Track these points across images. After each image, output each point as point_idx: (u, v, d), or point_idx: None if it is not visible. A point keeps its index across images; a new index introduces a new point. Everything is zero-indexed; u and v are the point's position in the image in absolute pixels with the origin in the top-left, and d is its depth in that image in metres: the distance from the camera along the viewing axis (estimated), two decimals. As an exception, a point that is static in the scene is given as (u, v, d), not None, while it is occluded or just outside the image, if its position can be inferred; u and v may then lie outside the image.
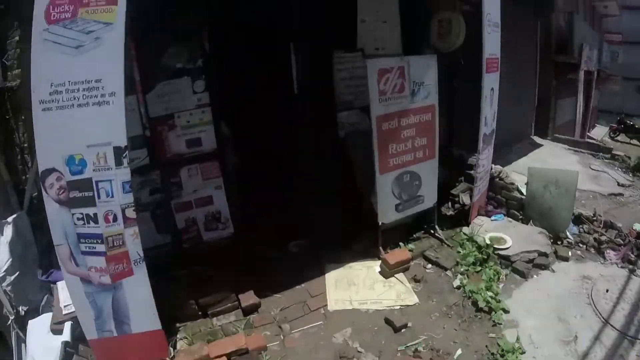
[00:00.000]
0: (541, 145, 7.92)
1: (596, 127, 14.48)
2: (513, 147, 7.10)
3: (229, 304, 3.88)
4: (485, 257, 4.38)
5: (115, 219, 2.87)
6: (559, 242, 4.86)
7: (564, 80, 9.41)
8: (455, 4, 5.21)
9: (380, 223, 4.21)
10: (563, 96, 9.52)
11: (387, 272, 4.19)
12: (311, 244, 4.76)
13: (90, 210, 2.83)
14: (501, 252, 4.45)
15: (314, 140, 4.66)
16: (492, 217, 5.06)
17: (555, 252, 4.66)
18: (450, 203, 5.35)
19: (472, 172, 5.36)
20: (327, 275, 4.28)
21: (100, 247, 2.89)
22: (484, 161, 4.76)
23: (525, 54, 7.84)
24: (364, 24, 4.78)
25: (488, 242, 4.50)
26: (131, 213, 2.89)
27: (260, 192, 5.66)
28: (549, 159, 7.10)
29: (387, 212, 4.21)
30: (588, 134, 11.37)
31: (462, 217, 5.09)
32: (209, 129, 4.18)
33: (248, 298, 3.90)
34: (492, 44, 4.53)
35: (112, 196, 2.82)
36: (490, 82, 4.59)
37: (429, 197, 4.45)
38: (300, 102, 4.60)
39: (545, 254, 4.55)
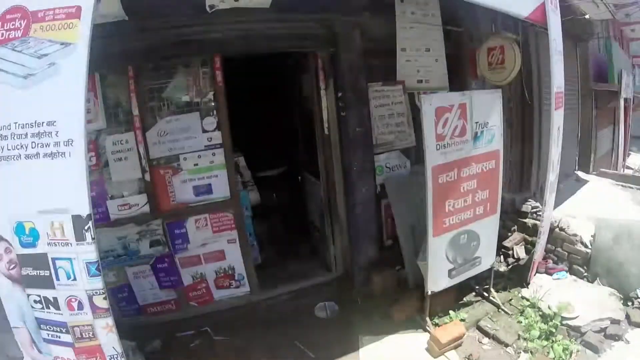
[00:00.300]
0: (587, 181, 6.66)
1: (630, 154, 12.90)
2: (559, 185, 5.88)
3: (239, 387, 2.92)
4: (553, 329, 3.24)
5: (80, 306, 1.98)
6: (629, 304, 3.65)
7: (603, 110, 8.18)
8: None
9: (429, 292, 3.12)
10: (602, 126, 8.27)
11: (437, 350, 3.11)
12: (341, 308, 3.71)
13: (49, 293, 1.98)
14: (570, 322, 3.30)
15: (347, 186, 3.67)
16: (554, 276, 3.90)
17: (627, 317, 3.47)
18: (502, 257, 4.21)
19: (526, 220, 4.27)
20: (361, 351, 3.23)
21: (66, 337, 2.05)
22: (549, 212, 3.63)
23: (567, 84, 6.68)
24: (404, 52, 3.81)
25: (555, 310, 3.36)
26: (101, 302, 1.98)
27: (282, 244, 4.73)
28: (599, 197, 5.85)
29: (438, 279, 3.15)
30: (626, 164, 9.96)
31: (517, 274, 3.97)
32: (221, 174, 3.26)
33: (264, 383, 2.91)
34: (559, 75, 3.48)
35: (75, 279, 1.92)
36: (558, 119, 3.51)
37: (486, 258, 3.38)
38: (331, 144, 3.62)
39: (617, 321, 3.38)
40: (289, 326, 3.50)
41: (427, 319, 3.33)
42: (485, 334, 3.34)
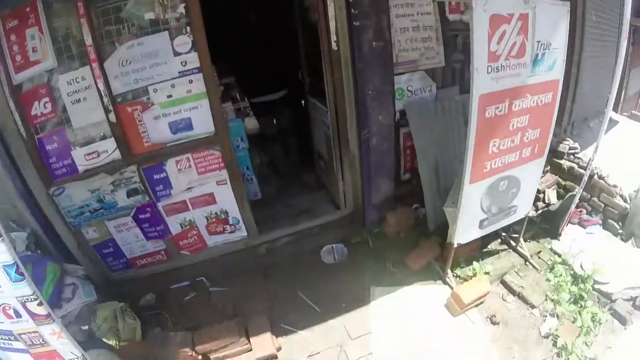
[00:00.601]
0: (617, 122, 5.74)
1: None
2: (589, 123, 5.03)
3: (238, 348, 2.46)
4: (584, 293, 2.69)
5: (17, 314, 1.51)
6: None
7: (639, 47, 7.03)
8: None
9: (455, 244, 2.51)
10: (635, 65, 7.17)
11: (457, 310, 2.61)
12: (351, 252, 3.16)
13: (-19, 301, 1.45)
14: (601, 287, 2.72)
15: (361, 113, 2.87)
16: (587, 229, 3.23)
17: (661, 288, 2.88)
18: (531, 200, 3.54)
19: (562, 162, 3.54)
20: (373, 304, 2.74)
21: (17, 344, 1.64)
22: (596, 159, 2.88)
23: (607, 14, 5.51)
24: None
25: (589, 272, 2.76)
26: (37, 308, 1.47)
27: (284, 176, 4.05)
28: (632, 141, 5.02)
29: (468, 231, 2.52)
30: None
31: (548, 222, 3.30)
32: (202, 106, 2.48)
33: (263, 345, 2.45)
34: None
35: (-1, 285, 1.35)
36: (624, 51, 2.64)
37: (523, 206, 2.71)
38: (341, 62, 2.76)
39: (649, 290, 2.80)
40: (291, 273, 3.01)
41: (449, 270, 2.78)
42: (511, 290, 2.81)
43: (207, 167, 2.65)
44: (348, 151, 3.09)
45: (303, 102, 3.98)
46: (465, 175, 2.12)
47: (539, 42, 2.08)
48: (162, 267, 3.00)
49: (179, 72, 2.36)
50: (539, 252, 3.09)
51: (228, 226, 2.96)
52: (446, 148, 3.00)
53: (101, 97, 2.28)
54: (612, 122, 5.67)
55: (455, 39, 2.95)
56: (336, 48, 2.70)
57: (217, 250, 3.05)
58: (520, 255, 3.04)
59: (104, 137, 2.39)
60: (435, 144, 2.97)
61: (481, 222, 2.51)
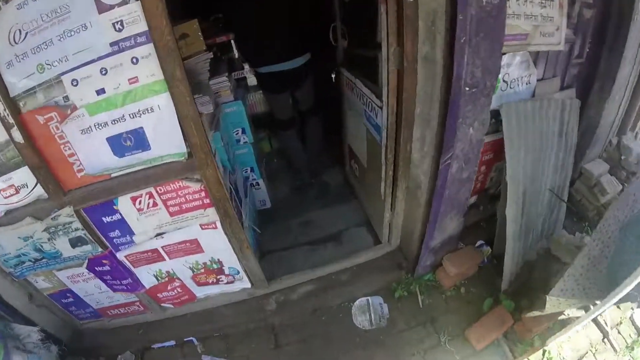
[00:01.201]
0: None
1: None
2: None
3: None
4: None
5: None
6: None
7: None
8: None
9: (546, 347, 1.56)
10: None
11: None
12: (392, 311, 2.10)
13: None
14: None
15: (449, 119, 1.54)
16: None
17: None
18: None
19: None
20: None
21: None
22: None
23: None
24: None
25: None
26: None
27: (302, 176, 2.87)
28: None
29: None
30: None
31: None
32: (161, 105, 1.28)
33: None
34: None
35: None
36: None
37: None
38: (418, 24, 1.42)
39: None
40: (312, 342, 1.99)
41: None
42: (591, 381, 1.88)
43: (182, 205, 1.57)
44: (408, 175, 1.91)
45: (334, 75, 2.63)
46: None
47: None
48: (139, 318, 2.07)
49: (112, 45, 1.17)
50: (619, 323, 2.13)
51: (224, 276, 1.96)
52: (537, 173, 1.92)
53: (-7, 101, 1.19)
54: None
55: (572, 6, 1.76)
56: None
57: (210, 301, 2.09)
58: (599, 328, 2.10)
59: (13, 167, 1.34)
60: (526, 164, 1.86)
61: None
